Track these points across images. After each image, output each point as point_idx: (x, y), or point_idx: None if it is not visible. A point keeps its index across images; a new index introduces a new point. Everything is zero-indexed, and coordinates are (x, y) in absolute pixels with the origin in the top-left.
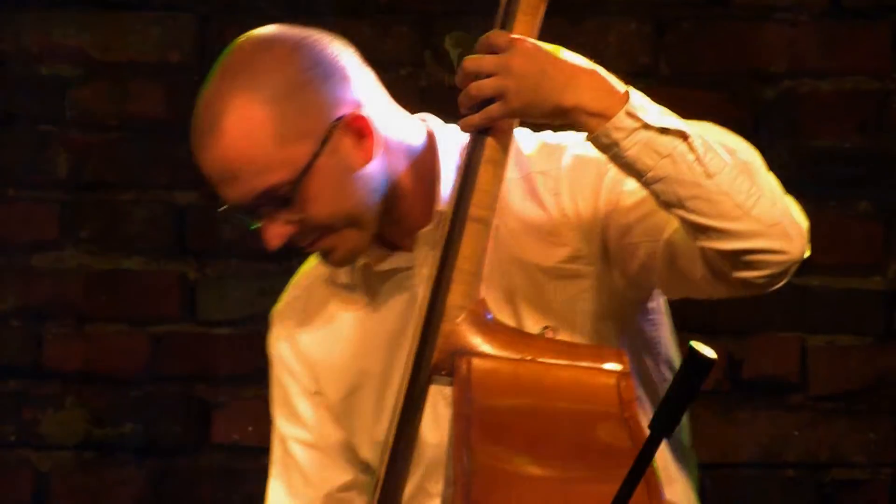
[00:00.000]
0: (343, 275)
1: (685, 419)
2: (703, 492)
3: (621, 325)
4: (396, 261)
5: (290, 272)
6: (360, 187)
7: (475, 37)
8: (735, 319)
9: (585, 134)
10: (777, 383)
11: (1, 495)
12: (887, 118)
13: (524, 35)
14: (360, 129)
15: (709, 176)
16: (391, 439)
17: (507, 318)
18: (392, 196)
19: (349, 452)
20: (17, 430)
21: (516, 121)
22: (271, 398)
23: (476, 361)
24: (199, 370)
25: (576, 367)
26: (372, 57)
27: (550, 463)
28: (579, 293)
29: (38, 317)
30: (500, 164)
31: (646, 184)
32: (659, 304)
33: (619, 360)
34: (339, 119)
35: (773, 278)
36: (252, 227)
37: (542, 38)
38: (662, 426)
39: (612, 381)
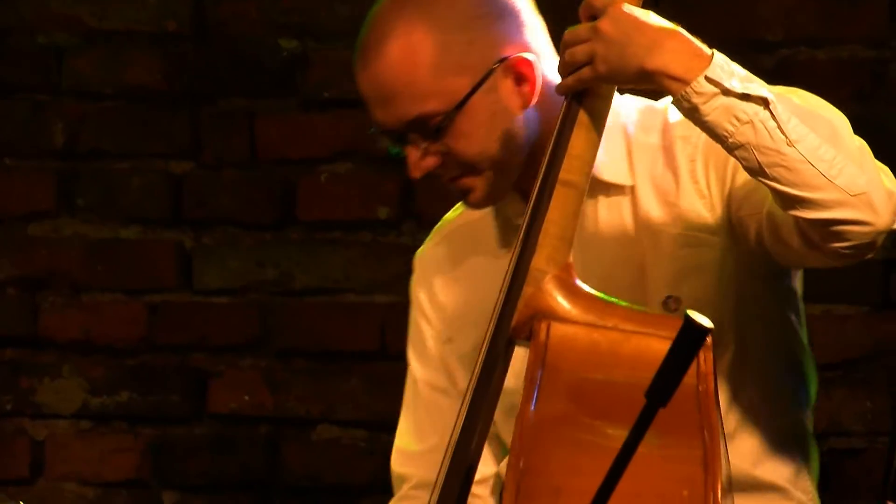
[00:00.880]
0: (484, 226)
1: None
2: None
3: (743, 301)
4: None
5: (287, 242)
6: (510, 132)
7: None
8: None
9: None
10: None
11: None
12: (883, 87)
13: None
14: (522, 73)
15: (790, 144)
16: (466, 404)
17: (633, 286)
18: (539, 147)
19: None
20: (13, 399)
21: (613, 88)
22: (408, 338)
23: (555, 326)
24: (195, 339)
25: (656, 336)
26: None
27: (616, 432)
28: (705, 263)
29: (35, 286)
30: (593, 130)
31: (729, 150)
32: (788, 294)
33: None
34: (504, 59)
35: (861, 249)
36: (394, 153)
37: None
38: (658, 396)
39: None
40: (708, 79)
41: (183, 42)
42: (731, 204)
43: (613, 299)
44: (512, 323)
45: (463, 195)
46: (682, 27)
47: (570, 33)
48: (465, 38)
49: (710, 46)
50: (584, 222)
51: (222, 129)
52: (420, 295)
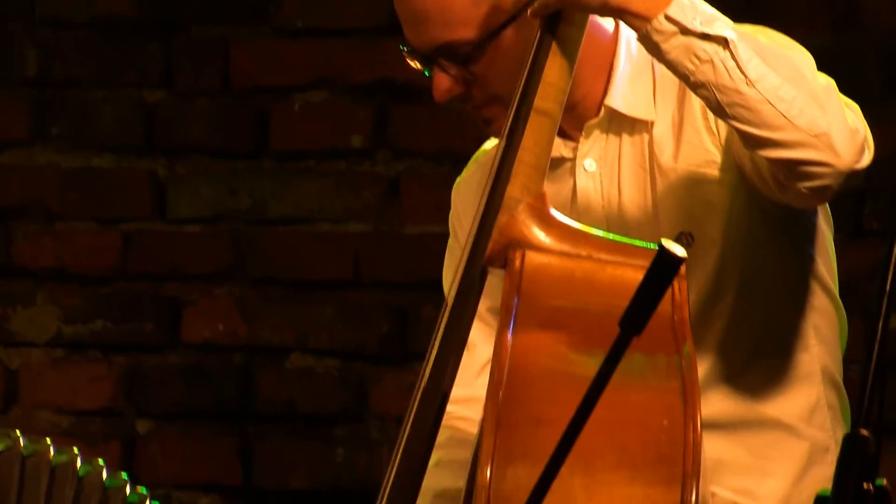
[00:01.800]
0: None
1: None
2: None
3: (754, 238)
4: (562, 149)
5: (260, 171)
6: None
7: None
8: None
9: None
10: None
11: None
12: (858, 16)
13: None
14: None
15: (750, 84)
16: (441, 329)
17: (647, 222)
18: None
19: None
20: None
21: (586, 17)
22: (444, 265)
23: (530, 255)
24: (169, 268)
25: (631, 265)
26: None
27: (590, 360)
28: (716, 200)
29: (9, 214)
30: (567, 58)
31: (692, 89)
32: (806, 231)
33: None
34: None
35: (824, 190)
36: (426, 73)
37: None
38: (631, 325)
39: None
40: (668, 17)
41: None
42: (732, 141)
43: (588, 228)
44: (486, 252)
45: (486, 124)
46: None
47: None
48: None
49: None
50: (607, 161)
51: (195, 58)
52: (454, 223)
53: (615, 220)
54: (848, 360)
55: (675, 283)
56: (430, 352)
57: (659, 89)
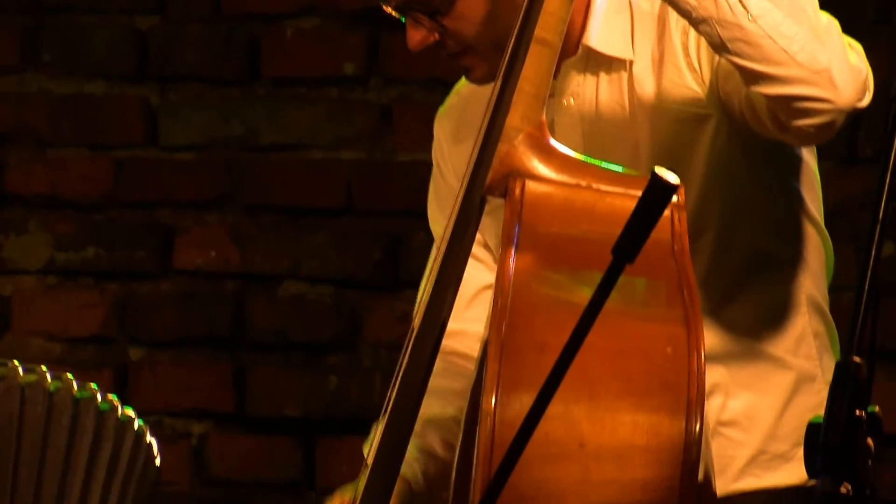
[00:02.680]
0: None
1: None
2: None
3: (736, 175)
4: None
5: (253, 98)
6: (511, 15)
7: None
8: None
9: None
10: None
11: None
12: None
13: None
14: None
15: (751, 19)
16: (439, 259)
17: (629, 163)
18: None
19: (493, 254)
20: None
21: None
22: (429, 196)
23: (530, 184)
24: (162, 196)
25: (630, 195)
26: None
27: (591, 289)
28: (698, 139)
29: (1, 141)
30: None
31: (693, 25)
32: (790, 164)
33: (676, 193)
34: None
35: (825, 127)
36: (402, 20)
37: None
38: (623, 252)
39: (665, 212)
40: None
41: None
42: (719, 78)
43: (588, 159)
44: (486, 180)
45: (465, 72)
46: None
47: None
48: None
49: None
50: (585, 98)
51: None
52: (436, 153)
53: (594, 158)
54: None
55: (675, 214)
56: (428, 281)
57: (637, 27)
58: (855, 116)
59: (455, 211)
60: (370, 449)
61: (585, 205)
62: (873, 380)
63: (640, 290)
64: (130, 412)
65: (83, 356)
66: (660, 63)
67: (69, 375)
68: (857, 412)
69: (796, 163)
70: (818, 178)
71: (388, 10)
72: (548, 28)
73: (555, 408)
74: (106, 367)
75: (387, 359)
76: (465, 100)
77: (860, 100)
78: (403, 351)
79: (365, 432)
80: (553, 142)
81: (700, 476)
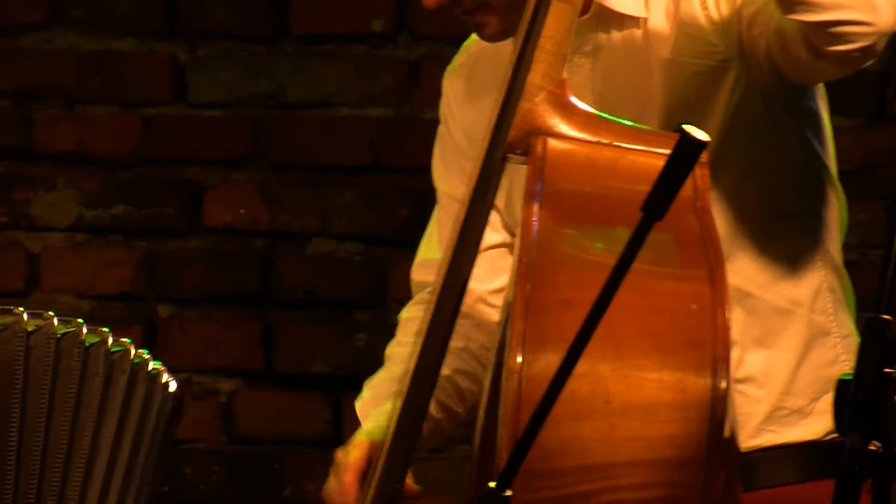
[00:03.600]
0: (508, 46)
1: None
2: None
3: (753, 128)
4: None
5: (281, 54)
6: None
7: None
8: None
9: None
10: None
11: None
12: None
13: None
14: None
15: None
16: (461, 218)
17: (637, 118)
18: None
19: (498, 215)
20: (8, 211)
21: None
22: (433, 153)
23: (552, 142)
24: (190, 152)
25: (652, 152)
26: None
27: (615, 245)
28: (716, 92)
29: (29, 98)
30: None
31: None
32: (805, 116)
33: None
34: None
35: (864, 51)
36: None
37: None
38: (653, 209)
39: None
40: None
41: None
42: (742, 24)
43: (609, 116)
44: (508, 138)
45: (478, 28)
46: None
47: None
48: None
49: None
50: (598, 56)
51: None
52: (445, 111)
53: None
54: (869, 245)
55: (697, 171)
56: (451, 237)
57: None
58: (885, 72)
59: (476, 170)
60: (392, 411)
61: (607, 162)
62: None
63: (664, 248)
64: (160, 366)
65: (112, 313)
66: (675, 17)
67: (105, 329)
68: (886, 369)
69: (814, 117)
70: (831, 131)
71: None
72: None
73: (581, 365)
74: (135, 324)
75: None
76: (475, 59)
77: (893, 23)
78: (426, 310)
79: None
80: (574, 99)
81: (726, 432)
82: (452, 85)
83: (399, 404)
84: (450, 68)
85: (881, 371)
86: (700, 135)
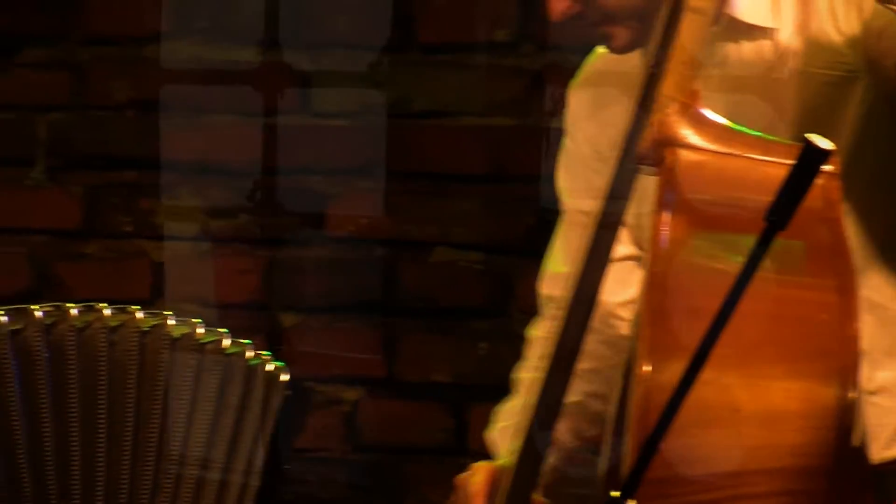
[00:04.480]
0: (631, 63)
1: None
2: None
3: (884, 135)
4: None
5: (404, 63)
6: None
7: None
8: None
9: None
10: None
11: (119, 285)
12: None
13: None
14: None
15: None
16: (591, 231)
17: (770, 130)
18: None
19: (626, 227)
20: (133, 220)
21: None
22: (559, 165)
23: (683, 153)
24: (313, 161)
25: (783, 164)
26: None
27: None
28: (846, 102)
29: (153, 108)
30: None
31: None
32: None
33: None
34: None
35: None
36: None
37: None
38: (779, 218)
39: (819, 180)
40: None
41: None
42: (871, 36)
43: (740, 127)
44: (640, 150)
45: (605, 40)
46: None
47: None
48: None
49: None
50: (727, 67)
51: None
52: (569, 125)
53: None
54: None
55: (828, 182)
56: (580, 253)
57: None
58: None
59: (609, 183)
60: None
61: (737, 173)
62: None
63: (793, 257)
64: (280, 364)
65: (236, 322)
66: (805, 29)
67: (222, 330)
68: None
69: None
70: None
71: None
72: None
73: (708, 373)
74: (258, 333)
75: None
76: (600, 72)
77: None
78: (557, 325)
79: None
80: (705, 110)
81: (854, 442)
82: (578, 98)
83: (526, 421)
84: (575, 81)
85: None
86: (824, 143)
